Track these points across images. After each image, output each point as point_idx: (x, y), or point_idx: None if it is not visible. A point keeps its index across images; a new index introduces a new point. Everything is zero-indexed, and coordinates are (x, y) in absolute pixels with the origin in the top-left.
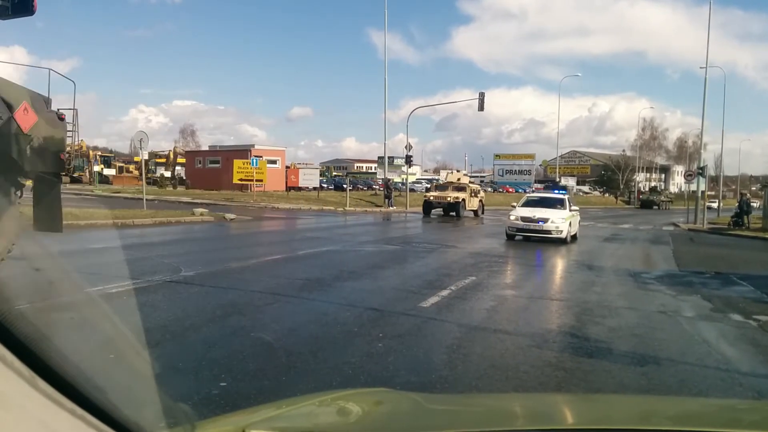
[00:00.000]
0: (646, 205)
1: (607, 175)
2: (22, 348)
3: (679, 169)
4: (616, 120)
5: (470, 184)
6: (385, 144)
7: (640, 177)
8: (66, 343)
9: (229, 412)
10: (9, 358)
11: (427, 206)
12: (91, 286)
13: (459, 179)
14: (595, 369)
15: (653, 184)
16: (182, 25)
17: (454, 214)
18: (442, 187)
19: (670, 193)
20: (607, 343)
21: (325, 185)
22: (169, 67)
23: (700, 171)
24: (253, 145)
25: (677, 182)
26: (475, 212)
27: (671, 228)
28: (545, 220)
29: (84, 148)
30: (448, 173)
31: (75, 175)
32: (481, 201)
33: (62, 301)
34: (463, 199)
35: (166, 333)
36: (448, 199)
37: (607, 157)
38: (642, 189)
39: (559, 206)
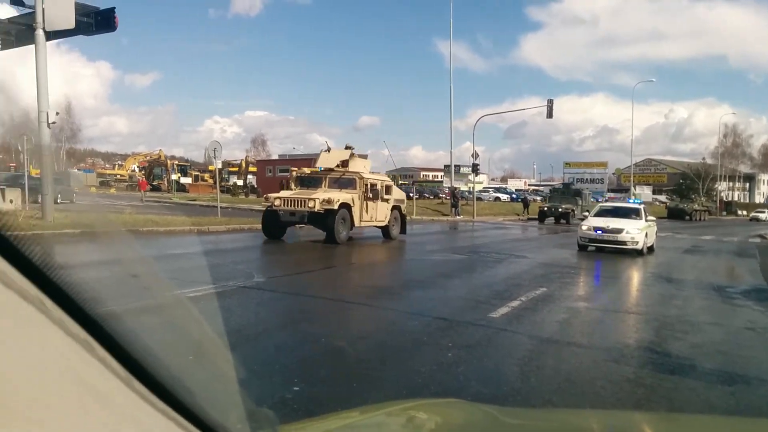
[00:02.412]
0: (675, 214)
1: (686, 184)
2: (119, 349)
3: (765, 178)
4: (696, 126)
5: (370, 177)
6: (451, 152)
7: (722, 186)
8: (157, 345)
9: (304, 418)
10: (108, 360)
11: (269, 220)
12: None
13: (344, 163)
14: (677, 386)
15: (737, 193)
16: (256, 40)
17: (325, 233)
18: (308, 180)
19: (707, 200)
20: (690, 360)
21: None
22: (243, 79)
23: None
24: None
25: (763, 191)
26: (385, 230)
27: (758, 240)
28: (620, 231)
29: (162, 158)
30: (322, 152)
31: (154, 183)
32: (399, 211)
33: (154, 303)
34: (345, 206)
35: (241, 337)
36: (310, 205)
37: (686, 165)
38: (724, 198)
39: (634, 216)
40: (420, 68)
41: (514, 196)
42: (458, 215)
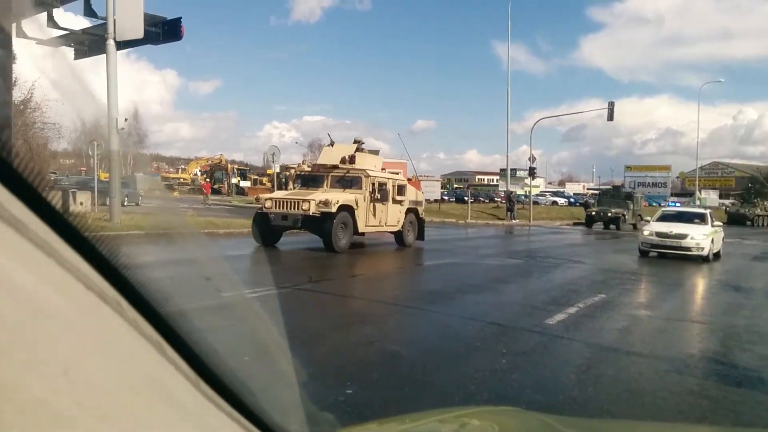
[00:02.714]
0: (735, 220)
1: (755, 188)
2: (188, 350)
3: None
4: (766, 128)
5: (379, 175)
6: (507, 156)
7: None
8: (223, 346)
9: (357, 422)
10: (178, 361)
11: (259, 224)
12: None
13: (350, 160)
14: (745, 400)
15: None
16: (315, 45)
17: (322, 240)
18: (309, 178)
19: None
20: (759, 372)
21: (446, 197)
22: (302, 85)
23: None
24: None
25: None
26: (399, 236)
27: None
28: (684, 236)
29: (223, 162)
30: (325, 146)
31: (215, 186)
32: (415, 214)
33: (222, 303)
34: (347, 208)
35: (295, 339)
36: (304, 208)
37: (755, 168)
38: None
39: (699, 221)
40: (477, 71)
41: (572, 200)
42: (514, 219)
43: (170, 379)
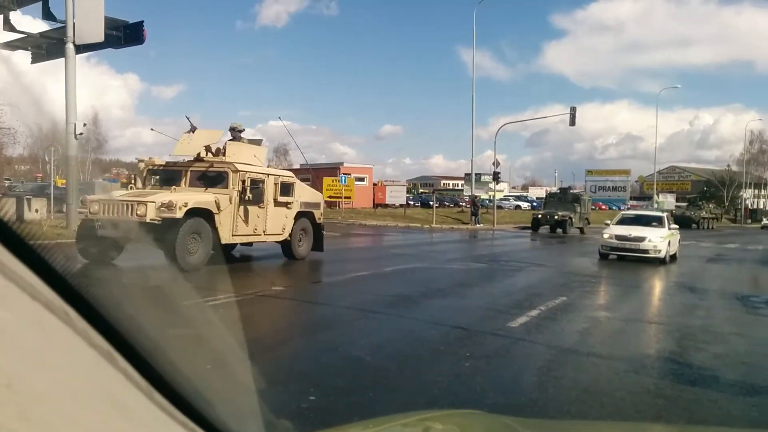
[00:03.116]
0: (681, 222)
1: (710, 192)
2: (140, 360)
3: None
4: (721, 133)
5: (253, 170)
6: (472, 161)
7: (747, 193)
8: (178, 355)
9: (319, 429)
10: (130, 372)
11: (84, 232)
12: (192, 299)
13: (218, 150)
14: (698, 398)
15: (762, 200)
16: (282, 50)
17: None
18: (164, 175)
19: (715, 207)
20: (713, 371)
21: (412, 202)
22: (267, 90)
23: None
24: (341, 163)
25: None
26: (286, 246)
27: None
28: (642, 239)
29: None
30: (184, 135)
31: None
32: (310, 219)
33: (177, 312)
34: (203, 212)
35: (258, 346)
36: (139, 213)
37: (710, 172)
38: (750, 206)
39: (656, 224)
40: (443, 77)
41: (535, 204)
42: (478, 223)
43: (121, 390)
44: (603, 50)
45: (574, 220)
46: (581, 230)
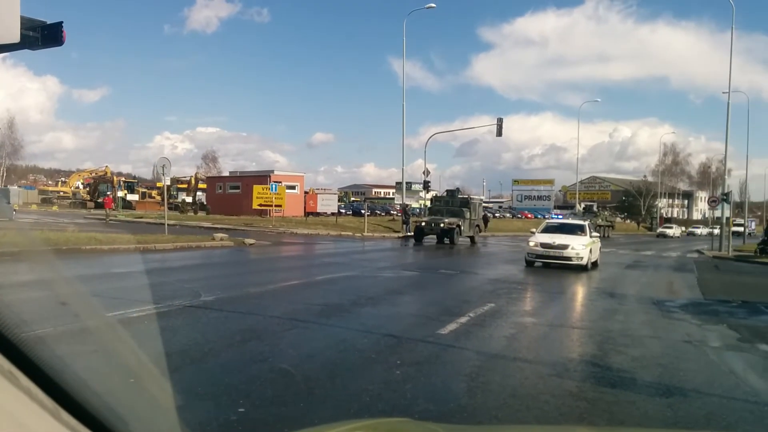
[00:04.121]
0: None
1: (629, 201)
2: (46, 378)
3: (702, 195)
4: (639, 145)
5: None
6: (403, 170)
7: (662, 203)
8: (88, 373)
9: None
10: (33, 391)
11: None
12: (113, 311)
13: None
14: (618, 400)
15: (676, 209)
16: (211, 56)
17: None
18: None
19: (612, 215)
20: (631, 373)
21: (344, 211)
22: (196, 96)
23: (725, 197)
24: (272, 171)
25: (701, 208)
26: None
27: (695, 255)
28: (565, 247)
29: (108, 174)
30: None
31: (99, 200)
32: None
33: (83, 329)
34: None
35: (186, 358)
36: None
37: (628, 182)
38: (664, 215)
39: (579, 232)
40: (375, 86)
41: None
42: (409, 232)
43: (23, 410)
44: (528, 64)
45: (463, 228)
46: (472, 240)
